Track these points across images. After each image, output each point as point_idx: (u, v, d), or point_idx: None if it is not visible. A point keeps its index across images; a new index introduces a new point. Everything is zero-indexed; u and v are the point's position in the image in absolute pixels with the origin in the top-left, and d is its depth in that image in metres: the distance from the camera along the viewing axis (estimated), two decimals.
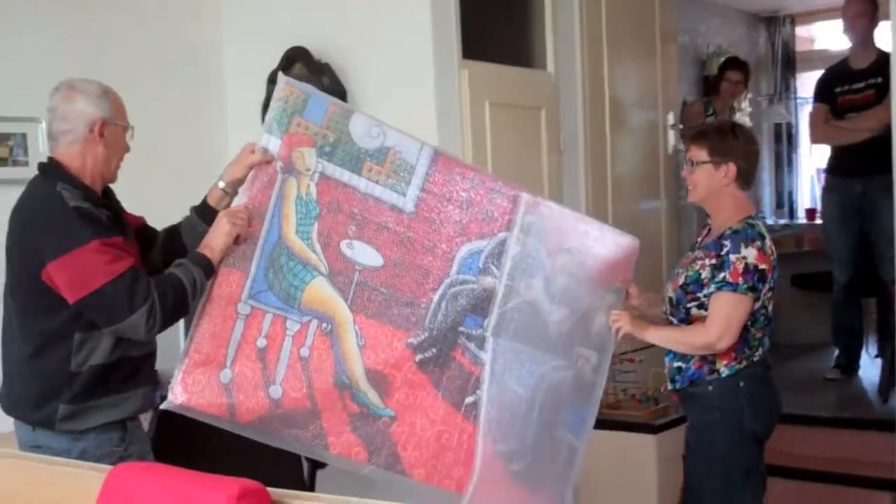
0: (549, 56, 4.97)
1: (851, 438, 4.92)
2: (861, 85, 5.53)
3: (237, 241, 2.80)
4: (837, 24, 6.04)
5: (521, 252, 2.91)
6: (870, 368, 5.87)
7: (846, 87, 5.59)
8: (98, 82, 2.88)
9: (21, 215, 2.83)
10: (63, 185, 2.75)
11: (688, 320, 3.25)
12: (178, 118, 4.64)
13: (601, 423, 4.36)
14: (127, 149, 2.95)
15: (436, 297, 2.86)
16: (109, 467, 2.40)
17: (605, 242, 2.99)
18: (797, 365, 6.37)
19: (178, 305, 2.73)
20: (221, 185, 2.94)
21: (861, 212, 5.56)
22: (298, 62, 4.44)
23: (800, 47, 8.75)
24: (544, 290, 2.92)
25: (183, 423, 2.83)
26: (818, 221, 7.03)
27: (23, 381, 2.83)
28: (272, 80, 4.36)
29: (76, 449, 2.78)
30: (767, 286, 3.18)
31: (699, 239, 3.42)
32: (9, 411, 2.91)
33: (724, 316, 3.14)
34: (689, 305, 3.23)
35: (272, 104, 2.86)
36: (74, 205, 2.70)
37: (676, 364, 3.30)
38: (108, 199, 2.92)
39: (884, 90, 5.38)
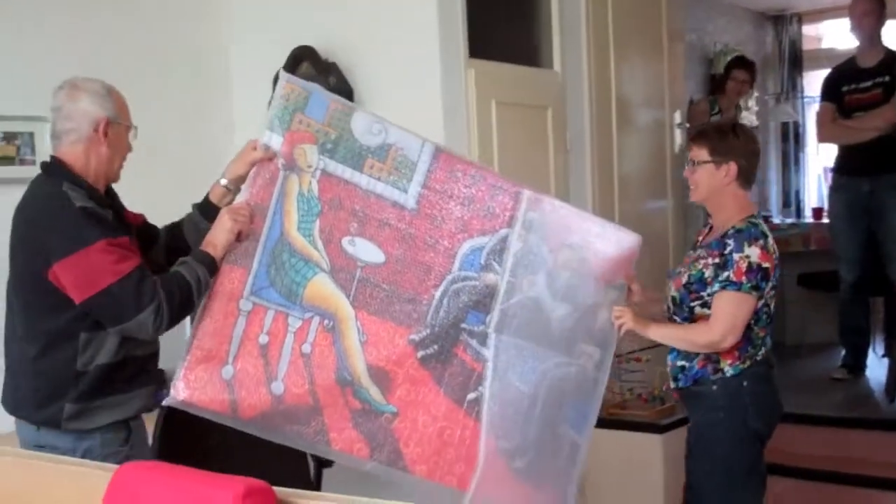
0: (556, 55, 4.96)
1: (858, 438, 4.91)
2: (868, 84, 5.51)
3: (239, 237, 2.80)
4: (845, 23, 6.03)
5: (523, 248, 2.90)
6: (877, 368, 5.86)
7: (853, 85, 5.57)
8: (101, 81, 2.88)
9: (25, 214, 2.83)
10: (68, 185, 2.75)
11: (691, 319, 3.25)
12: (184, 118, 4.65)
13: (608, 423, 4.40)
14: (130, 148, 2.95)
15: (438, 294, 2.86)
16: (115, 466, 2.41)
17: (607, 239, 2.98)
18: (804, 364, 6.36)
19: (185, 303, 2.74)
20: (224, 182, 2.94)
21: (868, 211, 5.54)
22: (305, 61, 4.45)
23: (807, 46, 8.75)
24: (546, 287, 2.92)
25: (188, 421, 2.84)
26: (825, 220, 7.02)
27: (27, 380, 2.83)
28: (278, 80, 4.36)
29: (81, 448, 2.78)
30: (770, 285, 3.19)
31: (700, 238, 3.43)
32: (12, 411, 2.91)
33: (728, 315, 3.14)
34: (692, 304, 3.23)
35: (273, 101, 2.87)
36: (80, 205, 2.70)
37: (680, 363, 3.30)
38: (110, 198, 2.92)
39: (891, 89, 5.39)
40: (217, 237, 2.79)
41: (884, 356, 6.03)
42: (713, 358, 3.22)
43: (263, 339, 2.81)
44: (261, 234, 2.82)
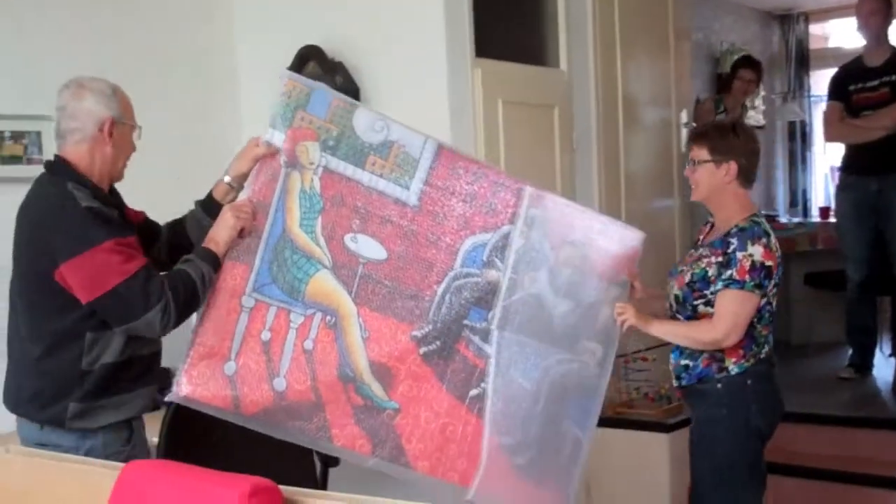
0: (562, 54, 4.96)
1: (866, 438, 4.89)
2: (875, 83, 5.50)
3: (241, 234, 2.81)
4: (851, 22, 6.01)
5: (525, 245, 2.91)
6: (884, 367, 5.85)
7: (860, 84, 5.55)
8: (106, 80, 2.88)
9: (29, 214, 2.83)
10: (73, 185, 2.75)
11: (694, 317, 3.25)
12: (191, 117, 4.66)
13: (614, 422, 4.40)
14: (134, 148, 2.95)
15: (440, 290, 2.87)
16: (121, 465, 2.41)
17: (609, 235, 2.98)
18: (811, 364, 6.35)
19: (190, 301, 2.74)
20: (227, 179, 2.94)
21: (876, 210, 5.52)
22: (312, 61, 4.46)
23: (814, 45, 8.74)
24: (548, 283, 2.92)
25: (195, 420, 2.84)
26: (832, 220, 6.99)
27: (30, 380, 2.83)
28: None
29: (84, 447, 2.78)
30: (773, 283, 3.19)
31: (701, 237, 3.44)
32: (13, 409, 2.90)
33: (731, 313, 3.15)
34: (695, 303, 3.23)
35: (275, 99, 2.87)
36: (86, 205, 2.70)
37: (684, 362, 3.30)
38: (114, 197, 2.93)
39: None
40: (220, 234, 2.79)
41: (891, 355, 6.03)
42: (718, 356, 3.23)
43: (266, 335, 2.81)
44: (263, 231, 2.82)
